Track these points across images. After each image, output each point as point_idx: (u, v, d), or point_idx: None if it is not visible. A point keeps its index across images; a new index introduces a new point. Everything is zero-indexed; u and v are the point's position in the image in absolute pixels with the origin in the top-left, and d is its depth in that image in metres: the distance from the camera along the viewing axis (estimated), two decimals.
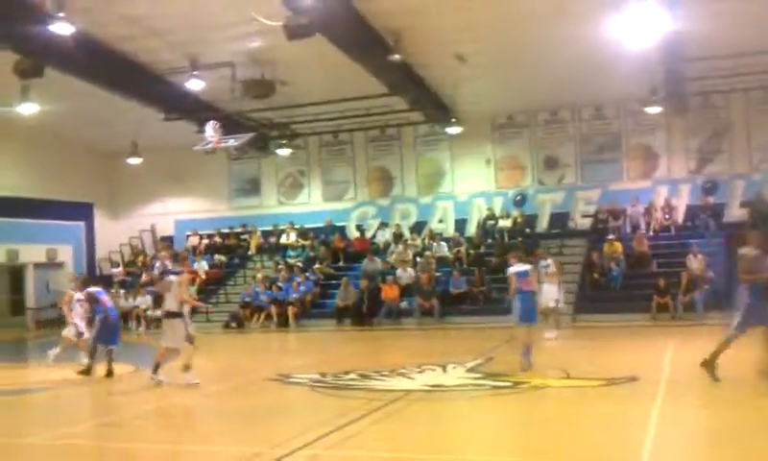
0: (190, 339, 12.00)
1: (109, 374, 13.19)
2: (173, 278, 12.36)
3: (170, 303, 12.10)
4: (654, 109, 22.38)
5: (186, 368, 11.82)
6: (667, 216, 23.37)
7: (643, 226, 23.33)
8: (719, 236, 21.73)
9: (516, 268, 12.56)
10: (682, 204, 23.84)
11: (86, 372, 13.27)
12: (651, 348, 15.13)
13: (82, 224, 29.00)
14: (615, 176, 24.67)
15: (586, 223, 24.40)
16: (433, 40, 19.73)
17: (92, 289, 14.12)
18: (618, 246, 22.27)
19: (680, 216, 23.65)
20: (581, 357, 14.58)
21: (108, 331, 13.39)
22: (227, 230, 28.12)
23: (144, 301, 24.17)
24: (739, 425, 8.40)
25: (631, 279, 21.32)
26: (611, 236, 22.76)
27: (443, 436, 8.54)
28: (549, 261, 17.69)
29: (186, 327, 12.05)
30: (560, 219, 24.95)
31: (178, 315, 11.99)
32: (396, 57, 19.33)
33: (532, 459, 7.40)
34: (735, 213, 23.12)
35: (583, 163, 25.12)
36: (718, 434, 8.16)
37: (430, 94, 23.23)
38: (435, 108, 24.08)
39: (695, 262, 20.35)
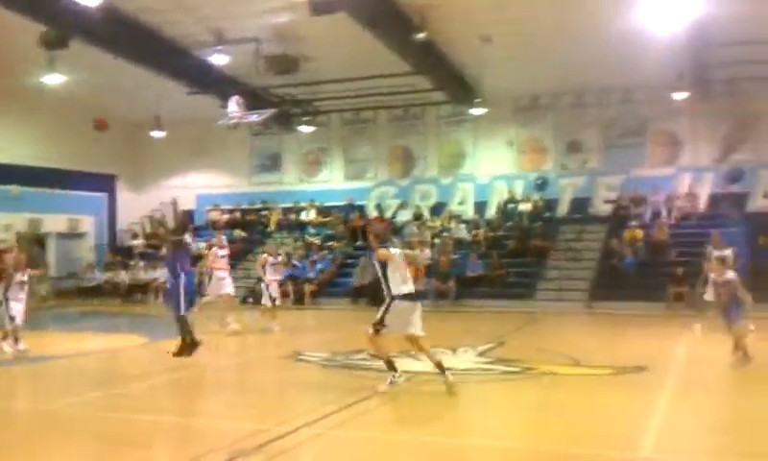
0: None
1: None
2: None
3: None
4: (680, 95, 22.06)
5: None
6: (690, 204, 23.10)
7: (665, 213, 23.08)
8: (741, 226, 21.47)
9: None
10: (704, 192, 23.54)
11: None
12: (663, 337, 15.01)
13: (105, 195, 29.33)
14: (638, 162, 24.38)
15: (606, 209, 24.19)
16: (458, 20, 19.59)
17: None
18: (639, 233, 22.10)
19: (702, 204, 23.36)
20: (592, 345, 14.54)
21: None
22: (247, 206, 28.25)
23: (163, 273, 24.38)
24: (745, 417, 8.38)
25: (648, 268, 21.13)
26: (632, 223, 22.58)
27: (447, 419, 8.57)
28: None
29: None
30: (580, 204, 24.77)
31: None
32: (421, 35, 19.24)
33: (534, 445, 7.40)
34: (759, 203, 22.80)
35: (606, 148, 24.88)
36: (722, 425, 8.14)
37: (454, 74, 23.11)
38: (458, 88, 23.96)
39: (715, 252, 20.08)
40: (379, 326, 9.45)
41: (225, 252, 16.55)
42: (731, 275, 11.13)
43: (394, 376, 9.51)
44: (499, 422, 8.62)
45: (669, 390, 9.56)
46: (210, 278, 16.36)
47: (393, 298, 9.51)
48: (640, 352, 12.62)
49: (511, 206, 25.08)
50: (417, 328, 9.58)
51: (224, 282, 16.17)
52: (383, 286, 9.65)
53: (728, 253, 15.98)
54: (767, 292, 17.18)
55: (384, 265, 9.59)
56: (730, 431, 7.92)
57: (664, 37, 17.66)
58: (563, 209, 25.04)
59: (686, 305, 19.13)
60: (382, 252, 9.61)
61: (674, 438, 7.61)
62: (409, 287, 9.64)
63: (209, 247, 17.17)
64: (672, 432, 7.80)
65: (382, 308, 9.56)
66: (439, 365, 9.48)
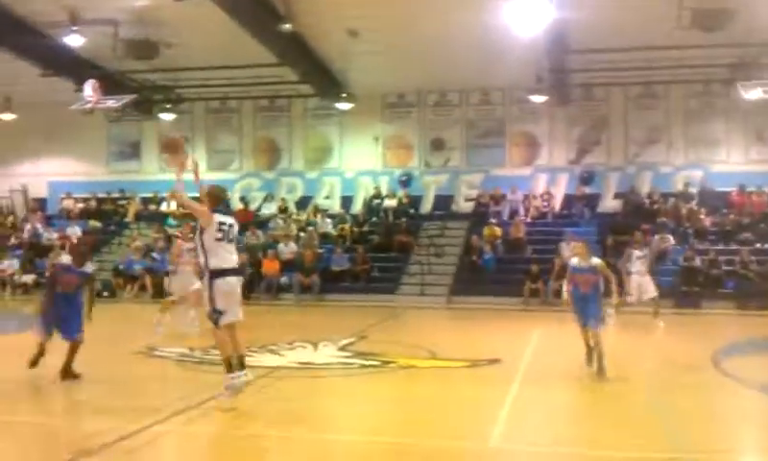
0: None
1: None
2: None
3: None
4: (538, 98, 22.93)
5: None
6: (545, 204, 24.06)
7: (522, 212, 23.93)
8: (592, 226, 22.60)
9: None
10: (559, 192, 24.59)
11: None
12: (518, 331, 15.57)
13: None
14: (499, 161, 25.17)
15: (468, 206, 24.83)
16: (326, 12, 19.55)
17: None
18: (497, 231, 22.79)
19: (557, 204, 24.39)
20: (451, 339, 14.85)
21: None
22: (103, 195, 27.03)
23: (11, 264, 22.99)
24: (591, 407, 8.78)
25: (506, 264, 21.83)
26: (492, 221, 23.27)
27: (301, 414, 8.45)
28: None
29: None
30: (444, 201, 25.29)
31: None
32: (287, 26, 19.08)
33: (390, 438, 7.43)
34: (609, 204, 24.04)
35: (468, 147, 25.51)
36: (568, 415, 8.47)
37: (321, 67, 23.04)
38: (325, 81, 23.89)
39: (567, 250, 21.01)
40: (215, 314, 8.26)
41: (191, 245, 15.09)
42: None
43: (235, 378, 8.26)
44: (357, 416, 8.61)
45: (520, 382, 9.86)
46: (176, 273, 14.75)
47: (212, 275, 8.28)
48: (496, 346, 13.02)
49: (376, 201, 25.26)
50: (240, 313, 8.48)
51: (191, 278, 14.30)
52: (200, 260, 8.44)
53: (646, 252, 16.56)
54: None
55: (202, 231, 8.33)
56: (577, 422, 8.25)
57: (524, 42, 18.28)
58: (426, 206, 25.48)
59: (541, 301, 19.95)
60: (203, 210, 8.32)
61: (522, 428, 7.86)
62: (232, 261, 8.47)
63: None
64: (520, 423, 8.05)
65: (205, 292, 8.37)
66: (241, 359, 8.40)
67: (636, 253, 16.06)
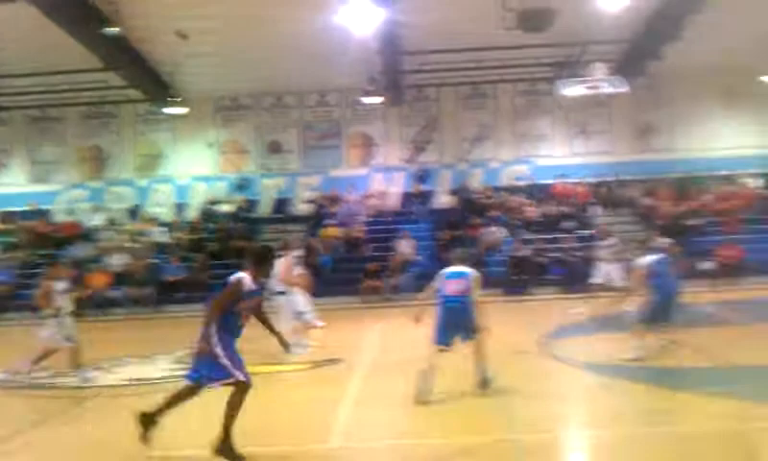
0: None
1: None
2: None
3: None
4: (373, 99, 23.20)
5: None
6: (382, 202, 24.37)
7: (360, 211, 24.11)
8: (428, 222, 23.17)
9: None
10: (396, 191, 25.02)
11: None
12: (359, 329, 15.62)
13: None
14: (336, 162, 25.28)
15: (307, 208, 24.73)
16: (154, 14, 18.87)
17: None
18: (335, 231, 22.85)
19: (394, 202, 24.80)
20: (292, 341, 14.64)
21: None
22: None
23: None
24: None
25: (345, 263, 21.92)
26: (330, 221, 23.30)
27: (126, 435, 8.01)
28: None
29: None
30: (282, 204, 25.07)
31: None
32: (112, 29, 18.20)
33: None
34: (444, 200, 24.71)
35: (306, 149, 25.43)
36: (408, 408, 8.54)
37: (150, 71, 22.19)
38: (155, 86, 22.99)
39: (406, 246, 21.45)
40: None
41: None
42: None
43: None
44: (195, 429, 8.26)
45: (362, 379, 9.90)
46: None
47: None
48: (337, 345, 12.96)
49: (212, 207, 24.64)
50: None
51: None
52: None
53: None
54: None
55: None
56: (415, 414, 8.31)
57: (357, 44, 18.41)
58: (265, 210, 25.17)
59: (381, 298, 20.17)
60: None
61: (364, 425, 7.85)
62: None
63: None
64: (362, 420, 8.04)
65: None
66: None
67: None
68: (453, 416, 7.93)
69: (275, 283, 12.30)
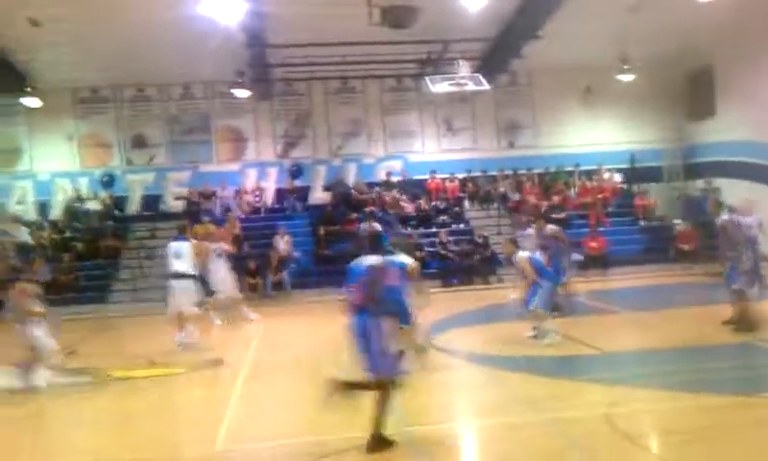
0: None
1: None
2: None
3: None
4: (241, 93, 22.75)
5: None
6: (257, 198, 24.02)
7: (235, 208, 23.65)
8: (304, 218, 23.00)
9: None
10: (270, 186, 24.69)
11: None
12: (239, 329, 15.28)
13: None
14: (206, 157, 24.63)
15: (178, 205, 23.97)
16: (3, 1, 17.62)
17: None
18: (211, 228, 22.22)
19: (269, 199, 24.46)
20: (170, 344, 14.17)
21: None
22: None
23: None
24: (311, 396, 8.80)
25: None
26: (204, 218, 22.67)
27: (6, 446, 7.51)
28: None
29: None
30: (152, 201, 24.20)
31: None
32: None
33: (109, 457, 6.84)
34: (319, 196, 24.62)
35: (173, 143, 24.62)
36: (290, 407, 8.43)
37: (1, 61, 20.76)
38: (6, 76, 21.53)
39: (282, 243, 21.20)
40: None
41: None
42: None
43: None
44: (68, 440, 7.83)
45: (244, 379, 9.71)
46: None
47: None
48: (219, 346, 12.63)
49: (77, 204, 23.44)
50: None
51: None
52: None
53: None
54: (328, 277, 18.94)
55: None
56: (298, 412, 8.20)
57: (223, 35, 17.92)
58: (133, 207, 24.20)
59: (261, 296, 19.87)
60: None
61: (247, 426, 7.68)
62: None
63: None
64: (246, 421, 7.87)
65: None
66: None
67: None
68: (340, 412, 7.87)
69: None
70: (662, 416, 7.28)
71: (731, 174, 22.58)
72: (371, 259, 6.92)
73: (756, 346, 9.93)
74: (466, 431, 7.57)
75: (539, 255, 11.81)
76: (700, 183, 24.39)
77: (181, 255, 12.74)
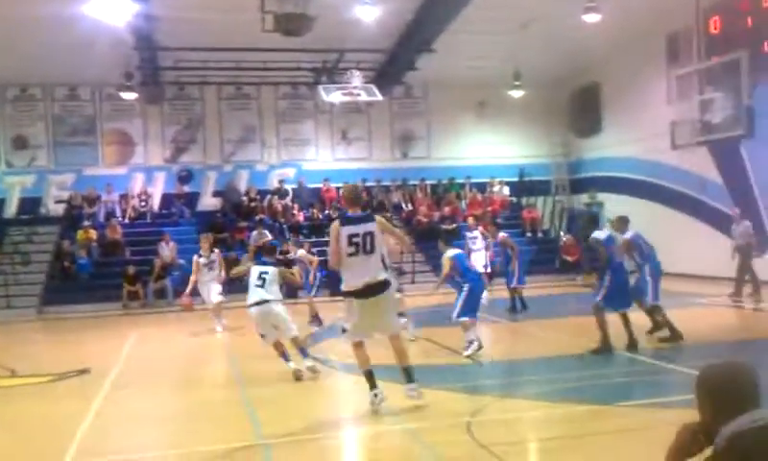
0: None
1: None
2: None
3: None
4: (129, 95, 22.07)
5: None
6: (144, 203, 23.33)
7: (119, 213, 22.91)
8: (191, 224, 22.47)
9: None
10: (158, 191, 24.01)
11: None
12: (113, 338, 14.70)
13: None
14: (91, 161, 23.77)
15: (59, 209, 23.01)
16: None
17: None
18: (93, 233, 21.51)
19: (156, 204, 23.79)
20: (38, 353, 13.58)
21: None
22: None
23: None
24: (179, 410, 8.55)
25: (104, 268, 20.76)
26: (86, 223, 21.89)
27: None
28: None
29: None
30: (30, 204, 23.18)
31: None
32: None
33: None
34: (209, 202, 24.11)
35: (57, 146, 23.66)
36: (155, 419, 8.15)
37: None
38: None
39: (167, 249, 20.64)
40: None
41: None
42: None
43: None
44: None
45: (108, 390, 9.32)
46: None
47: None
48: (87, 355, 12.16)
49: None
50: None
51: None
52: None
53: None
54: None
55: None
56: (163, 424, 7.95)
57: (111, 36, 17.39)
58: (10, 210, 23.10)
59: (141, 303, 19.27)
60: None
61: (106, 439, 7.34)
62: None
63: None
64: (105, 434, 7.53)
65: None
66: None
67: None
68: (207, 423, 7.65)
69: None
70: (524, 424, 7.35)
71: (614, 189, 23.43)
72: None
73: (622, 355, 10.19)
74: (322, 442, 7.31)
75: (465, 256, 11.77)
76: (584, 198, 25.19)
77: None
